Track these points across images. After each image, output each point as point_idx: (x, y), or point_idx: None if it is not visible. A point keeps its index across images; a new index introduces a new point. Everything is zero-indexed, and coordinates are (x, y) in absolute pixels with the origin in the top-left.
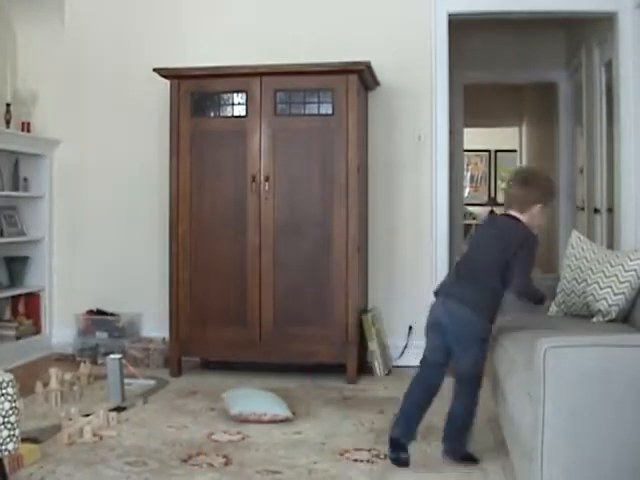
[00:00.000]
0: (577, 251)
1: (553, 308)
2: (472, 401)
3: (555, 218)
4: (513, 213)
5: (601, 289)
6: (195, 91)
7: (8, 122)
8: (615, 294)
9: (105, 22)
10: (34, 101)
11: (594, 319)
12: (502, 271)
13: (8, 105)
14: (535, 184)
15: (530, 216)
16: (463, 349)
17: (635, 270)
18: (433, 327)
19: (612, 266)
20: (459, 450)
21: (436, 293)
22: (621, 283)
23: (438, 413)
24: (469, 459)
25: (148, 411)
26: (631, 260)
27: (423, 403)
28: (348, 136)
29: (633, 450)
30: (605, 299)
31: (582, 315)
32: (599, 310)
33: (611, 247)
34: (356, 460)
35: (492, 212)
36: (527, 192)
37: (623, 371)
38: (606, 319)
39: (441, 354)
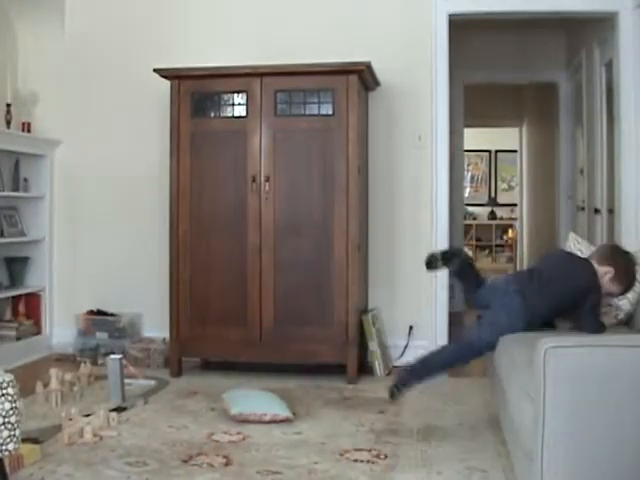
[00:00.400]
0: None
1: None
2: (459, 361)
3: (555, 218)
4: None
5: None
6: (195, 91)
7: (8, 122)
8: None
9: (106, 22)
10: (34, 101)
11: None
12: (563, 302)
13: (8, 105)
14: (617, 260)
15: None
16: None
17: None
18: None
19: None
20: (408, 382)
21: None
22: None
23: (438, 413)
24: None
25: (148, 411)
26: None
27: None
28: (348, 136)
29: (633, 450)
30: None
31: None
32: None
33: None
34: (356, 460)
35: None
36: (613, 264)
37: (623, 371)
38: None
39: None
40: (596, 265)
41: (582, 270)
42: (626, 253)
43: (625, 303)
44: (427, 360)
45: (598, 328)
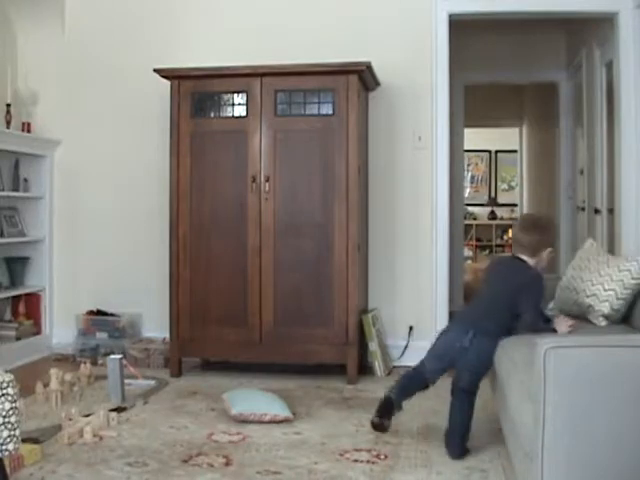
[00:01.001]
0: (585, 253)
1: (551, 304)
2: (472, 408)
3: (555, 219)
4: (523, 257)
5: (593, 285)
6: (195, 91)
7: (8, 122)
8: (605, 290)
9: (105, 22)
10: (34, 101)
11: (590, 317)
12: (512, 310)
13: (8, 105)
14: (544, 230)
15: (539, 259)
16: (472, 367)
17: (629, 270)
18: (448, 350)
19: (609, 267)
20: (462, 451)
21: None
22: (613, 281)
23: (438, 413)
24: (466, 453)
25: (148, 411)
26: (627, 261)
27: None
28: (348, 136)
29: (633, 450)
30: (596, 295)
31: (574, 312)
32: (590, 305)
33: (612, 247)
34: (356, 461)
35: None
36: (537, 238)
37: (623, 371)
38: (598, 315)
39: (443, 369)
40: (530, 259)
41: (515, 272)
42: (540, 220)
43: (606, 305)
44: (454, 432)
45: (538, 321)
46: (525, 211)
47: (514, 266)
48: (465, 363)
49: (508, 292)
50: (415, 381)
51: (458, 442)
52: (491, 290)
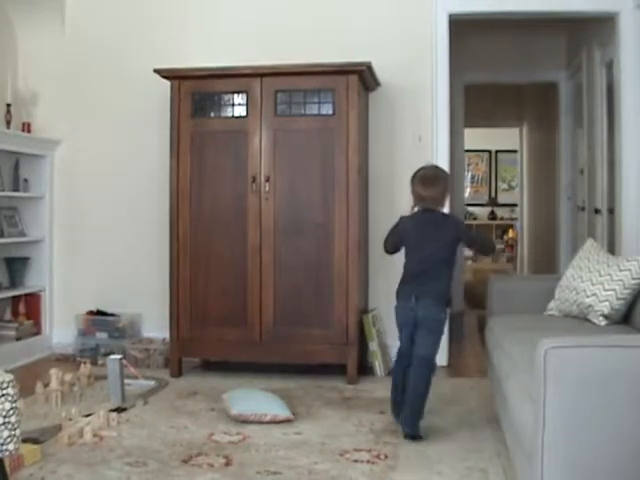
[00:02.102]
0: (585, 253)
1: (551, 304)
2: (431, 380)
3: (556, 218)
4: (438, 209)
5: (593, 285)
6: (196, 92)
7: (9, 122)
8: (606, 290)
9: (106, 22)
10: (34, 101)
11: (589, 316)
12: (450, 255)
13: (8, 105)
14: (442, 182)
15: (446, 204)
16: (428, 336)
17: (629, 270)
18: (406, 323)
19: (609, 266)
20: (417, 431)
21: (401, 294)
22: (613, 281)
23: (438, 413)
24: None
25: (148, 412)
26: (627, 261)
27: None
28: (349, 136)
29: (633, 451)
30: (596, 295)
31: (574, 312)
32: (590, 305)
33: (612, 247)
34: (356, 461)
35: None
36: (441, 191)
37: (624, 372)
38: (598, 315)
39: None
40: (443, 208)
41: (451, 227)
42: (437, 173)
43: (606, 305)
44: (414, 403)
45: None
46: (526, 212)
47: (433, 218)
48: (430, 332)
49: (441, 241)
50: (398, 387)
51: (416, 416)
52: (427, 248)
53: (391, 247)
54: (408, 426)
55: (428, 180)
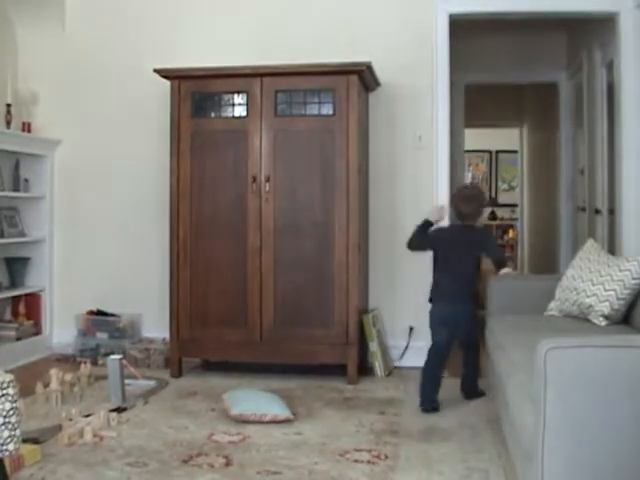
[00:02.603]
0: (585, 254)
1: (551, 304)
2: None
3: (556, 219)
4: (470, 223)
5: (594, 285)
6: (196, 92)
7: (9, 122)
8: (606, 290)
9: (106, 22)
10: (35, 101)
11: (590, 317)
12: (476, 268)
13: (9, 105)
14: (480, 200)
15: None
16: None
17: (629, 270)
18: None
19: (609, 267)
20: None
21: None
22: (613, 281)
23: (439, 413)
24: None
25: (148, 412)
26: (628, 262)
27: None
28: (349, 136)
29: (633, 451)
30: (596, 295)
31: (574, 312)
32: (590, 305)
33: (612, 248)
34: (356, 461)
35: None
36: (477, 208)
37: (624, 372)
38: (598, 315)
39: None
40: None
41: (474, 236)
42: (475, 191)
43: (606, 305)
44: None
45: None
46: (526, 212)
47: (469, 232)
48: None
49: (474, 254)
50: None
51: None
52: (458, 267)
53: (416, 247)
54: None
55: (468, 198)
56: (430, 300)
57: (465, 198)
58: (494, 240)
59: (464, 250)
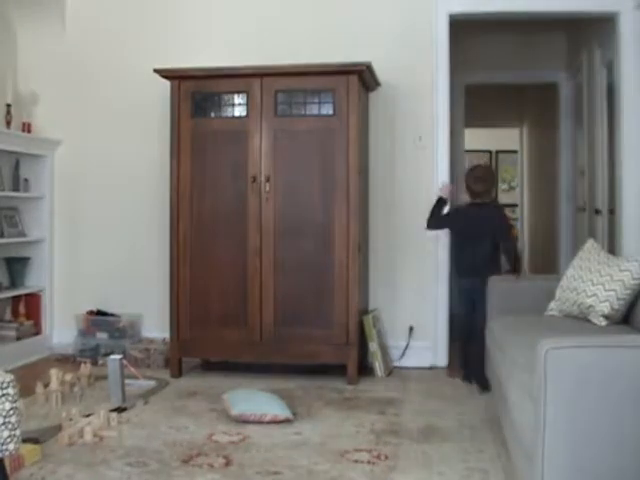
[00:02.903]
0: (585, 254)
1: (551, 304)
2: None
3: (556, 219)
4: (487, 201)
5: (594, 285)
6: (196, 92)
7: (9, 123)
8: (606, 290)
9: (106, 22)
10: (35, 102)
11: (590, 317)
12: (495, 249)
13: (9, 106)
14: (489, 179)
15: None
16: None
17: (630, 270)
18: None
19: (609, 267)
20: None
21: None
22: (614, 281)
23: (439, 413)
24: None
25: (148, 412)
26: (628, 262)
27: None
28: (349, 136)
29: (633, 450)
30: (596, 295)
31: (574, 312)
32: (590, 305)
33: (612, 248)
34: (356, 461)
35: (467, 205)
36: (487, 187)
37: (624, 372)
38: (599, 315)
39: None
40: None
41: (496, 219)
42: (486, 170)
43: (606, 306)
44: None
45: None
46: (526, 212)
47: (483, 210)
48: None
49: (488, 229)
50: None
51: (480, 369)
52: (475, 235)
53: (434, 226)
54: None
55: (478, 178)
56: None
57: (475, 178)
58: (506, 227)
59: (479, 227)
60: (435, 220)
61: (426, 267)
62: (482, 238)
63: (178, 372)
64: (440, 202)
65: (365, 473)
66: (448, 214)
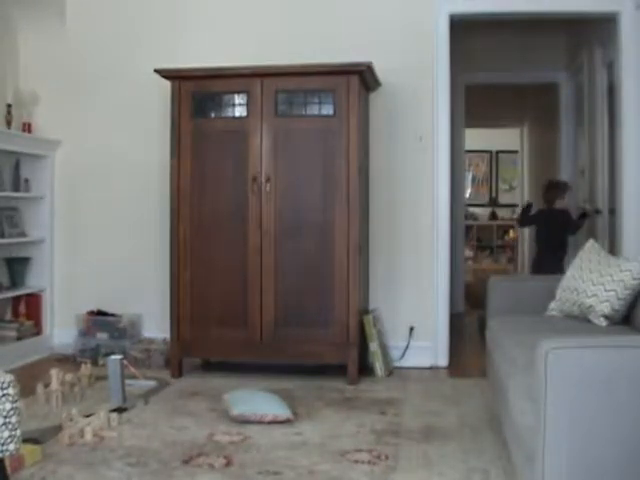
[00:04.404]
0: (586, 254)
1: (551, 305)
2: None
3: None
4: (553, 207)
5: (594, 285)
6: (196, 92)
7: (9, 123)
8: (606, 290)
9: (106, 22)
10: (35, 102)
11: (590, 317)
12: (565, 237)
13: (9, 106)
14: (554, 189)
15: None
16: None
17: (630, 271)
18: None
19: (609, 267)
20: None
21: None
22: (614, 282)
23: (439, 414)
24: None
25: (149, 412)
26: (628, 262)
27: None
28: (349, 137)
29: (634, 451)
30: (596, 295)
31: (575, 312)
32: (590, 306)
33: (612, 248)
34: (357, 461)
35: (541, 208)
36: (552, 195)
37: (624, 372)
38: (599, 315)
39: None
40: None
41: (567, 219)
42: (551, 186)
43: (607, 306)
44: None
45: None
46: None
47: (554, 213)
48: None
49: (560, 228)
50: None
51: None
52: (550, 232)
53: (526, 225)
54: None
55: (546, 187)
56: (533, 269)
57: (544, 187)
58: (574, 224)
59: (552, 226)
60: (525, 220)
61: (426, 267)
62: (555, 234)
63: (178, 372)
64: (529, 205)
65: (365, 473)
66: (533, 215)
